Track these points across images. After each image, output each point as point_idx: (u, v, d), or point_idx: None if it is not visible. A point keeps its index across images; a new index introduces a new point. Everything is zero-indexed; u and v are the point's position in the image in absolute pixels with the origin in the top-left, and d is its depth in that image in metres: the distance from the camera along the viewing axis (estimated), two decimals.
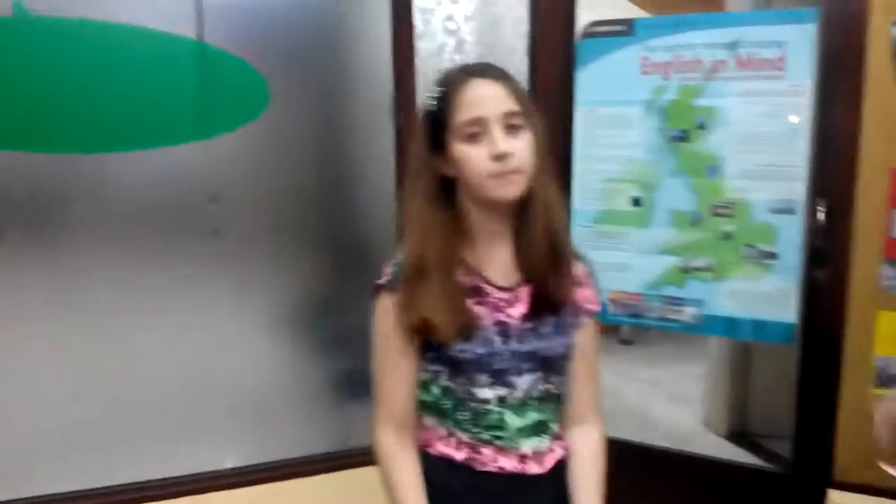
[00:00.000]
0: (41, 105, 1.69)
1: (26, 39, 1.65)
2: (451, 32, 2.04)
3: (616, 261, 2.15)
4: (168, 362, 1.90)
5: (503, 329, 1.14)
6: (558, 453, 1.21)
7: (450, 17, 2.04)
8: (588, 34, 2.09)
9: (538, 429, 1.18)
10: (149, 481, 1.86)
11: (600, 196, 2.14)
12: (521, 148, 1.08)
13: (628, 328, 4.65)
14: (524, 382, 1.15)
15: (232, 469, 1.95)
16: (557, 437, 1.23)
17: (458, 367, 1.13)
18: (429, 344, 1.13)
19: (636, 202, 2.11)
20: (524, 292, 1.16)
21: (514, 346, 1.14)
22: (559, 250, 1.15)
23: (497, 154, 1.05)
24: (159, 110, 1.79)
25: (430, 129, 1.11)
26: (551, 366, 1.18)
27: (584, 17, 2.12)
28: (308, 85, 1.96)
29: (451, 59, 2.04)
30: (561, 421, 1.23)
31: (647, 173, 2.08)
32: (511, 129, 1.08)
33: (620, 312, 2.19)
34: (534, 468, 1.17)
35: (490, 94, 1.07)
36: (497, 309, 1.15)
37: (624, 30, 2.05)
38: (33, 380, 1.77)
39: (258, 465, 1.98)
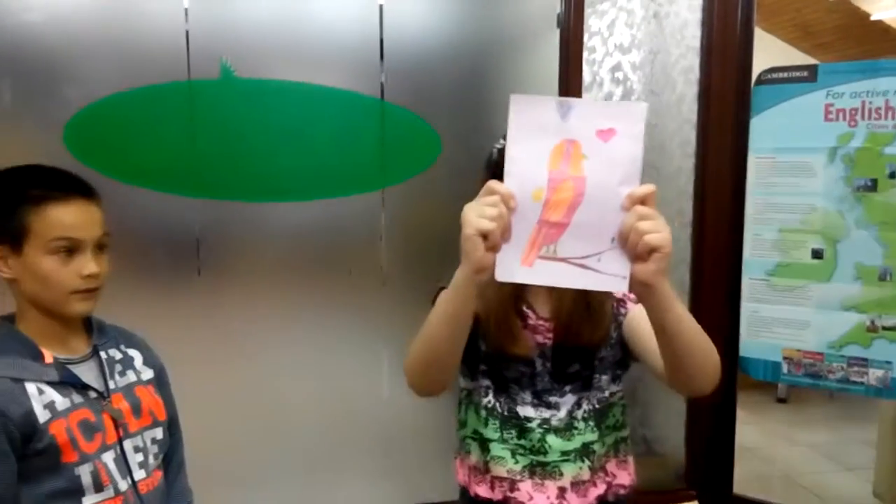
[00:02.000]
0: (244, 158, 1.85)
1: (231, 99, 1.82)
2: (618, 82, 2.04)
3: (793, 317, 2.02)
4: (314, 399, 1.98)
5: (542, 352, 1.14)
6: (600, 488, 1.15)
7: (618, 67, 2.04)
8: (764, 80, 2.02)
9: (582, 453, 1.14)
10: None
11: (776, 247, 2.03)
12: None
13: (785, 386, 4.34)
14: (567, 403, 1.14)
15: None
16: (602, 469, 1.17)
17: (502, 384, 1.15)
18: (476, 354, 1.14)
19: (817, 254, 1.98)
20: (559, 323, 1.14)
21: (554, 367, 1.14)
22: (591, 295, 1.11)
23: None
24: (347, 162, 1.91)
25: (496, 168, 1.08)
26: (594, 385, 1.15)
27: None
28: (476, 136, 2.01)
29: None
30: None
31: (831, 224, 1.95)
32: None
33: (796, 373, 2.05)
34: (573, 502, 1.12)
35: None
36: (537, 332, 1.14)
37: (806, 76, 1.96)
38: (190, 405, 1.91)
39: None
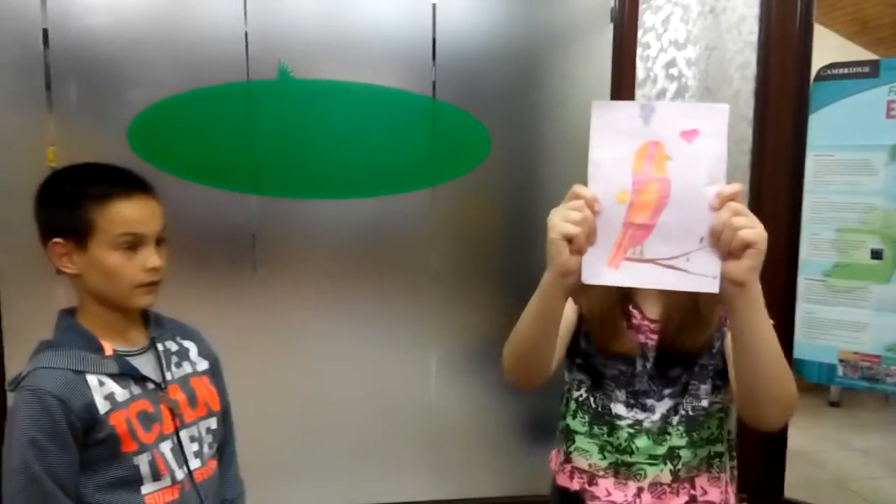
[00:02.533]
0: (300, 157, 1.90)
1: (288, 99, 1.87)
2: (673, 78, 2.02)
3: (851, 318, 1.98)
4: (365, 394, 2.02)
5: (644, 352, 1.12)
6: (681, 498, 1.11)
7: (672, 63, 2.01)
8: (824, 76, 1.97)
9: (668, 456, 1.11)
10: None
11: (833, 247, 1.99)
12: None
13: (838, 389, 4.23)
14: (662, 407, 1.12)
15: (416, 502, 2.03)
16: (689, 481, 1.13)
17: (599, 381, 1.13)
18: (577, 347, 1.15)
19: (876, 255, 1.93)
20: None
21: (654, 369, 1.12)
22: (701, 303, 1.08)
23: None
24: (399, 160, 1.94)
25: None
26: (691, 391, 1.12)
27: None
28: (525, 134, 2.02)
29: None
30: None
31: (891, 224, 1.90)
32: None
33: (853, 375, 2.00)
34: (647, 503, 1.10)
35: None
36: (640, 332, 1.13)
37: (867, 71, 1.91)
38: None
39: (438, 501, 2.06)
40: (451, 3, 1.92)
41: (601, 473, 1.14)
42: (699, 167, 0.84)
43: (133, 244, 1.03)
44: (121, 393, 1.02)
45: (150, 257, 1.04)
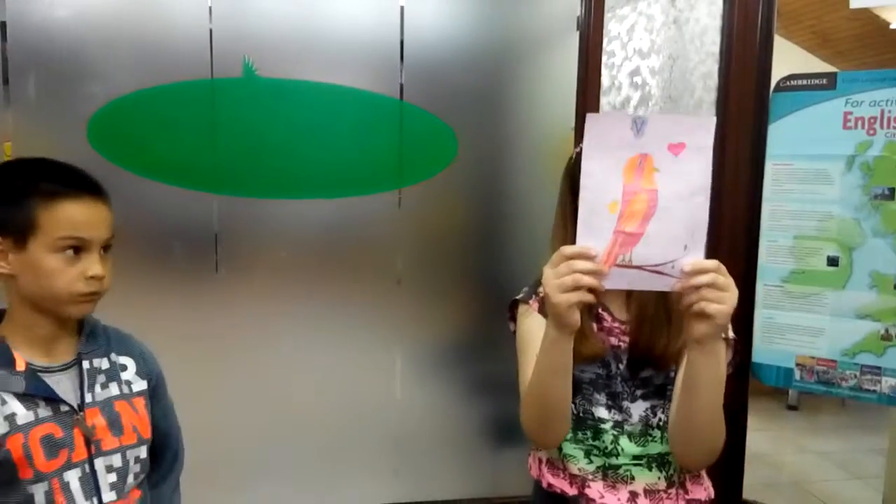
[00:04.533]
0: (264, 156, 1.87)
1: (253, 98, 1.84)
2: (637, 86, 2.04)
3: (807, 324, 2.02)
4: (329, 397, 2.00)
5: (616, 354, 1.14)
6: None
7: (636, 72, 2.04)
8: (783, 88, 2.02)
9: (659, 462, 1.13)
10: None
11: (791, 254, 2.03)
12: None
13: (796, 393, 4.32)
14: (639, 409, 1.13)
15: None
16: (682, 486, 1.15)
17: (577, 386, 1.14)
18: None
19: (832, 262, 1.98)
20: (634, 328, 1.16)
21: (627, 371, 1.14)
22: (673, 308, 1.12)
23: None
24: (365, 162, 1.93)
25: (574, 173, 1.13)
26: (669, 396, 1.13)
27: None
28: (492, 137, 2.03)
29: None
30: None
31: (847, 232, 1.95)
32: None
33: (809, 380, 2.04)
34: None
35: None
36: (612, 334, 1.15)
37: (825, 83, 1.96)
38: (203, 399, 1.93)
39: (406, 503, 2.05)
40: (420, 6, 1.92)
41: (590, 477, 1.15)
42: (684, 179, 0.89)
43: (76, 248, 0.96)
44: (24, 415, 0.93)
45: (93, 265, 0.97)
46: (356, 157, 1.92)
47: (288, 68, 1.85)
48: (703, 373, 0.95)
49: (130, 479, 1.03)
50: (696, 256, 0.90)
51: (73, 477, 0.96)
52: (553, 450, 1.19)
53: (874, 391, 1.95)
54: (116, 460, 1.01)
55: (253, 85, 1.83)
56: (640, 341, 1.13)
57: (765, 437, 3.95)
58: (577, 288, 0.89)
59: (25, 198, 0.95)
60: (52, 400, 0.96)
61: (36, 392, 0.95)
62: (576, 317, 0.92)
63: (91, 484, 0.98)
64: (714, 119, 0.89)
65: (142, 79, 1.77)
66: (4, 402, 0.92)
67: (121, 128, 1.78)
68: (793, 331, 2.04)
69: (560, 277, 0.90)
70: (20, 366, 0.95)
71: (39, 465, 0.93)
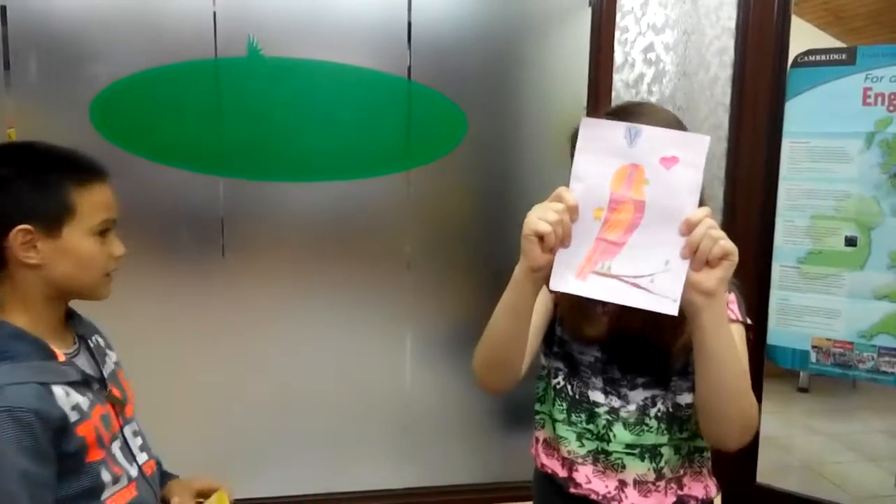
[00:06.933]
0: (270, 138, 1.84)
1: (258, 78, 1.81)
2: (651, 63, 2.00)
3: (823, 305, 1.99)
4: (338, 381, 1.99)
5: (617, 339, 1.12)
6: (669, 499, 1.11)
7: (650, 48, 1.99)
8: (801, 63, 1.97)
9: (650, 453, 1.11)
10: (314, 495, 1.98)
11: (808, 234, 2.00)
12: None
13: (807, 375, 4.29)
14: (638, 397, 1.11)
15: (383, 491, 2.03)
16: (675, 480, 1.13)
17: (575, 369, 1.14)
18: (553, 337, 1.16)
19: (850, 242, 1.94)
20: None
21: (623, 355, 1.12)
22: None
23: None
24: (373, 143, 1.90)
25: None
26: (670, 387, 1.10)
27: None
28: (502, 117, 1.99)
29: (650, 90, 1.99)
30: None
31: (866, 211, 1.91)
32: None
33: (826, 362, 2.02)
34: (633, 499, 1.10)
35: None
36: (613, 319, 1.12)
37: (844, 58, 1.91)
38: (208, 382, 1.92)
39: (413, 488, 2.06)
40: None
41: (580, 461, 1.13)
42: (674, 194, 0.88)
43: (105, 231, 0.98)
44: (83, 401, 0.94)
45: (118, 245, 1.00)
46: (364, 138, 1.88)
47: (293, 48, 1.81)
48: (717, 339, 0.92)
49: (147, 440, 1.10)
50: (678, 271, 0.88)
51: (116, 448, 1.00)
52: (549, 430, 1.19)
53: (892, 373, 1.93)
54: (136, 425, 1.08)
55: (258, 65, 1.80)
56: (622, 323, 1.10)
57: (776, 420, 3.93)
58: (555, 226, 0.89)
59: (57, 184, 0.94)
60: (86, 382, 0.98)
61: (82, 377, 0.96)
62: (534, 250, 0.90)
63: (128, 450, 1.03)
64: (708, 138, 0.88)
65: (144, 59, 1.74)
66: (68, 394, 0.93)
67: (124, 109, 1.75)
68: (809, 312, 2.01)
69: (546, 209, 0.90)
70: (61, 357, 0.96)
71: (104, 445, 0.97)
